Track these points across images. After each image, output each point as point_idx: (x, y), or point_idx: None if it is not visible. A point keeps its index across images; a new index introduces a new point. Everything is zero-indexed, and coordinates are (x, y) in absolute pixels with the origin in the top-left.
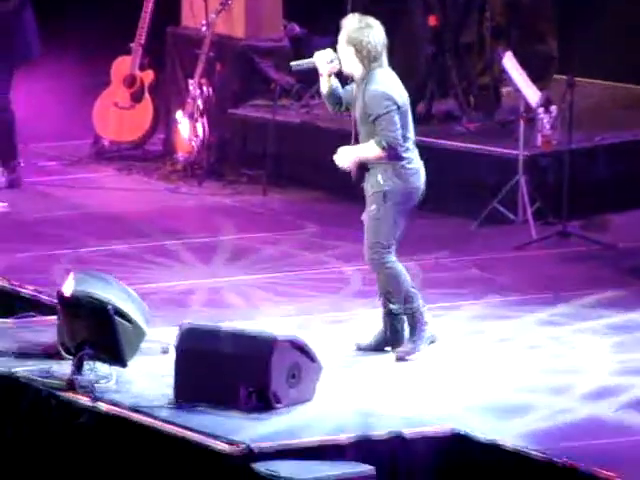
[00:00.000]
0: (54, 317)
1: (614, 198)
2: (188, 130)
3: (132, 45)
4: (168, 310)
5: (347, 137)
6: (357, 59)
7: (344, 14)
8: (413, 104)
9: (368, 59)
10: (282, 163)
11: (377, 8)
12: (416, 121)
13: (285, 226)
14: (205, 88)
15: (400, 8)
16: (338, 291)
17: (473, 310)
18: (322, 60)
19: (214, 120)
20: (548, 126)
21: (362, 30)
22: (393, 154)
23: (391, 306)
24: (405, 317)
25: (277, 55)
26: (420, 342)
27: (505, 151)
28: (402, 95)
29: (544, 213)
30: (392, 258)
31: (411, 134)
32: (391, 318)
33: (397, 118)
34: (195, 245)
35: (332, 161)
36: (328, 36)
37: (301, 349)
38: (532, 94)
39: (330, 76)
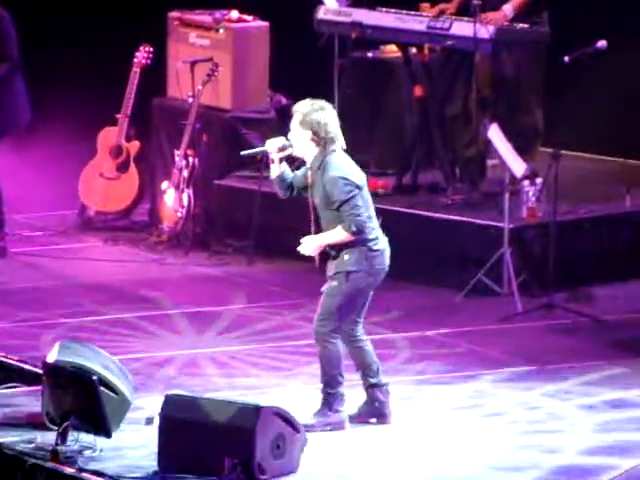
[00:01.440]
0: (39, 387)
1: (599, 270)
2: (174, 200)
3: (118, 116)
4: (152, 380)
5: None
6: (314, 143)
7: (331, 85)
8: (399, 175)
9: (325, 141)
10: (268, 234)
11: (363, 78)
12: (401, 192)
13: (270, 297)
14: (191, 159)
15: (386, 78)
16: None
17: (459, 384)
18: (274, 147)
19: (200, 191)
20: (533, 198)
21: (317, 113)
22: (361, 237)
23: (327, 390)
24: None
25: (263, 126)
26: (319, 424)
27: (490, 223)
28: (361, 177)
29: (529, 285)
30: (336, 339)
31: (373, 213)
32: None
33: (360, 201)
34: (180, 315)
35: (317, 232)
36: None
37: (286, 419)
38: (518, 166)
39: (281, 162)
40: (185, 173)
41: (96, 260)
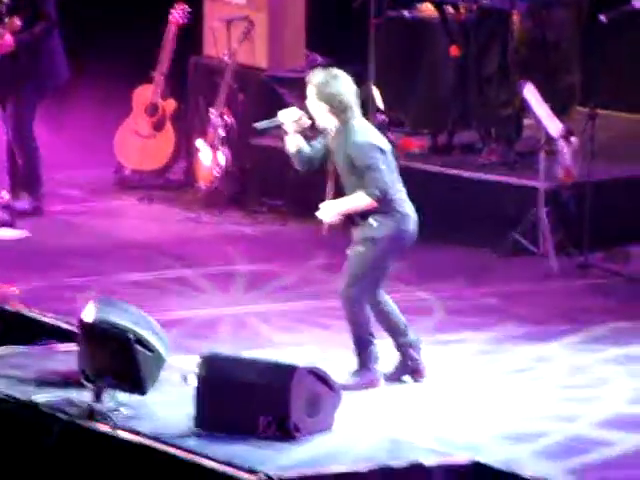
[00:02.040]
0: (74, 345)
1: (635, 230)
2: (210, 159)
3: (154, 74)
4: (188, 338)
5: None
6: (331, 114)
7: (367, 44)
8: (434, 134)
9: (342, 111)
10: (303, 194)
11: (399, 37)
12: (437, 151)
13: (304, 255)
14: (227, 117)
15: (422, 37)
16: None
17: (491, 339)
18: (288, 119)
19: (236, 150)
20: (569, 158)
21: (330, 83)
22: (384, 201)
23: (358, 351)
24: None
25: (300, 85)
26: (354, 383)
27: (526, 182)
28: (384, 141)
29: (565, 245)
30: (364, 302)
31: (398, 178)
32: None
33: (384, 165)
34: (215, 274)
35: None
36: (351, 65)
37: (321, 378)
38: (553, 126)
39: (296, 134)
40: (221, 132)
41: (132, 218)
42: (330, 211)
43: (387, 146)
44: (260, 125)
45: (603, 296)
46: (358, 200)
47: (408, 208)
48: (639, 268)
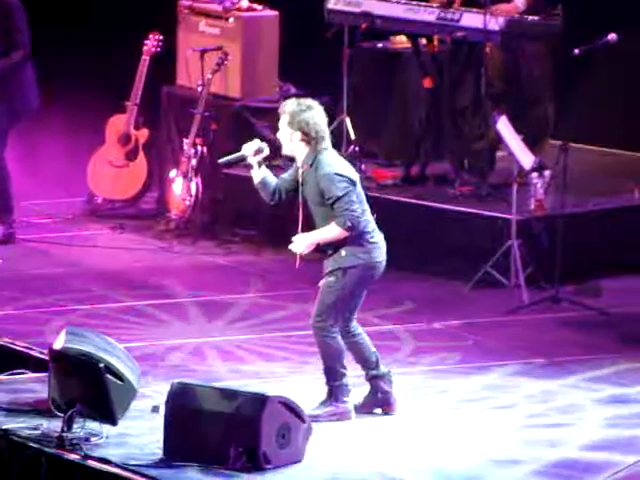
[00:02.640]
0: (45, 373)
1: (606, 263)
2: (182, 189)
3: (127, 103)
4: (159, 368)
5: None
6: (304, 143)
7: (340, 75)
8: (407, 166)
9: (315, 140)
10: (276, 223)
11: (373, 69)
12: (410, 182)
13: (277, 287)
14: (200, 147)
15: (395, 69)
16: None
17: (466, 376)
18: (251, 151)
19: (208, 179)
20: (541, 190)
21: (304, 112)
22: (356, 232)
23: (331, 383)
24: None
25: (272, 115)
26: (325, 415)
27: (498, 215)
28: (354, 173)
29: (536, 277)
30: (335, 333)
31: (367, 208)
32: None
33: (355, 197)
34: (187, 304)
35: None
36: (323, 97)
37: (291, 409)
38: (526, 158)
39: (260, 167)
40: (194, 161)
41: (104, 248)
42: (302, 243)
43: (356, 176)
44: (224, 160)
45: (574, 329)
46: (330, 231)
47: (378, 238)
48: (610, 302)
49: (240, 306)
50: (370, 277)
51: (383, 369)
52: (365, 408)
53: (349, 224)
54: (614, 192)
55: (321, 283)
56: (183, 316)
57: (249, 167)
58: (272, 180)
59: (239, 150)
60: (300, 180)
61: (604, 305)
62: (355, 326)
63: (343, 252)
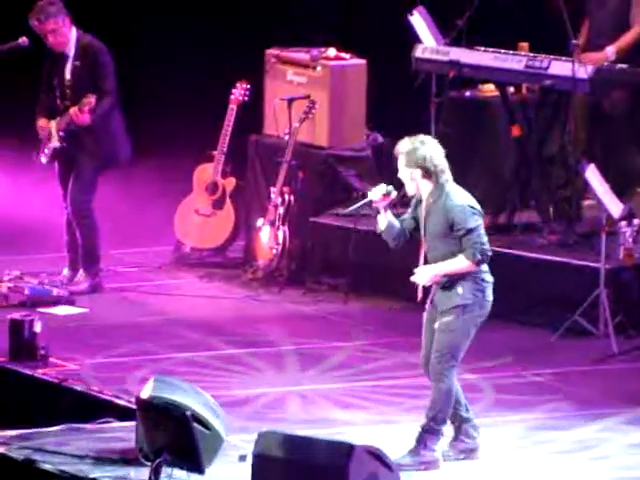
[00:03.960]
0: (132, 422)
1: None
2: (269, 237)
3: (214, 153)
4: (246, 417)
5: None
6: (425, 179)
7: (428, 123)
8: (495, 214)
9: (437, 174)
10: (363, 272)
11: (461, 117)
12: (498, 231)
13: (365, 336)
14: (287, 196)
15: (483, 117)
16: (418, 399)
17: (546, 419)
18: (378, 195)
19: (295, 228)
20: (630, 239)
21: (420, 149)
22: (481, 266)
23: (431, 424)
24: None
25: (359, 164)
26: (413, 463)
27: (587, 264)
28: (480, 206)
29: (625, 327)
30: (453, 375)
31: None
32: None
33: (483, 230)
34: (275, 353)
35: (413, 271)
36: None
37: (379, 458)
38: (614, 206)
39: (386, 211)
40: (281, 210)
41: (192, 296)
42: (428, 274)
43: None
44: (351, 209)
45: None
46: (457, 263)
47: (490, 277)
48: None
49: (327, 355)
50: (482, 316)
51: (472, 414)
52: (450, 454)
53: (479, 257)
54: None
55: (438, 324)
56: (269, 365)
57: (374, 212)
58: (396, 223)
59: (329, 197)
60: (424, 214)
61: None
62: None
63: (460, 289)
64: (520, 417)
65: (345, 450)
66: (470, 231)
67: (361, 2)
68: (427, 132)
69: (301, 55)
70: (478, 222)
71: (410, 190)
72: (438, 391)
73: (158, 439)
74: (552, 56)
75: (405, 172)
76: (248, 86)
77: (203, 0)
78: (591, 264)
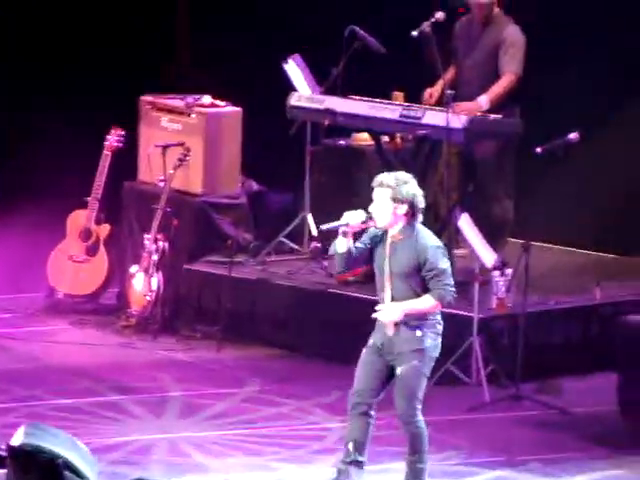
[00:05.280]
0: (3, 470)
1: (568, 362)
2: (143, 284)
3: (88, 199)
4: (120, 464)
5: (300, 294)
6: (405, 215)
7: (302, 171)
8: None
9: (417, 213)
10: (237, 320)
11: (335, 166)
12: (371, 280)
13: (238, 382)
14: (161, 243)
15: (358, 165)
16: (299, 448)
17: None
18: (357, 220)
19: (169, 275)
20: (503, 288)
21: (409, 184)
22: (444, 307)
23: (418, 465)
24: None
25: (234, 211)
26: None
27: (459, 312)
28: None
29: (498, 375)
30: (421, 417)
31: None
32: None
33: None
34: (147, 400)
35: (288, 318)
36: (285, 193)
37: None
38: (488, 256)
39: (350, 237)
40: (155, 257)
41: (63, 343)
42: (394, 312)
43: None
44: (327, 227)
45: (535, 428)
46: (424, 302)
47: (441, 320)
48: (571, 401)
49: (198, 402)
50: (435, 358)
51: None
52: None
53: (449, 299)
54: (575, 291)
55: (400, 370)
56: (141, 413)
57: (341, 234)
58: (353, 250)
59: (204, 245)
60: (388, 250)
61: (565, 404)
62: None
63: (418, 332)
64: (388, 466)
65: None
66: (442, 272)
67: (236, 49)
68: (302, 180)
69: (176, 102)
70: (448, 263)
71: (381, 223)
72: (414, 436)
73: None
74: (426, 106)
75: (387, 206)
76: (122, 132)
77: (76, 46)
78: (464, 313)
